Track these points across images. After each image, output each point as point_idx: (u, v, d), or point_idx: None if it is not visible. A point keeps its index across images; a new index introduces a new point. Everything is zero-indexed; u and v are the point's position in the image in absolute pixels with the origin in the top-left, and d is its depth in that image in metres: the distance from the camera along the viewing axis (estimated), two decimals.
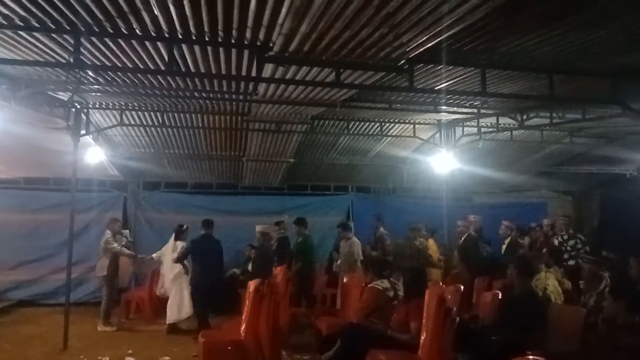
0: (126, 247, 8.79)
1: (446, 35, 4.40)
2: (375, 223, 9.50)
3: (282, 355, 6.15)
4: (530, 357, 3.12)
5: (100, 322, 8.11)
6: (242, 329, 5.15)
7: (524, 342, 4.20)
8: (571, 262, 7.60)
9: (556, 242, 8.15)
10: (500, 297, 5.60)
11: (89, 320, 8.75)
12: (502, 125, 9.08)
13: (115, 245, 8.32)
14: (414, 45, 4.56)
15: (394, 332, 4.99)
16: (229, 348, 5.13)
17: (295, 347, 6.90)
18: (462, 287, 5.88)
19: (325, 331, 6.09)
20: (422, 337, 4.50)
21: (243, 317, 5.37)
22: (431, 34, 4.30)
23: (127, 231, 8.82)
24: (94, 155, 8.75)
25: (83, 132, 7.47)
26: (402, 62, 5.18)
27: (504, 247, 9.12)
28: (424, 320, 4.56)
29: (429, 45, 4.57)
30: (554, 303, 5.51)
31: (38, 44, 5.08)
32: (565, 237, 8.14)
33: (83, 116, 7.51)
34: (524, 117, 8.26)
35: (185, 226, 8.53)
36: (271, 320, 5.55)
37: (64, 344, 6.94)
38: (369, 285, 5.78)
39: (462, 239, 8.99)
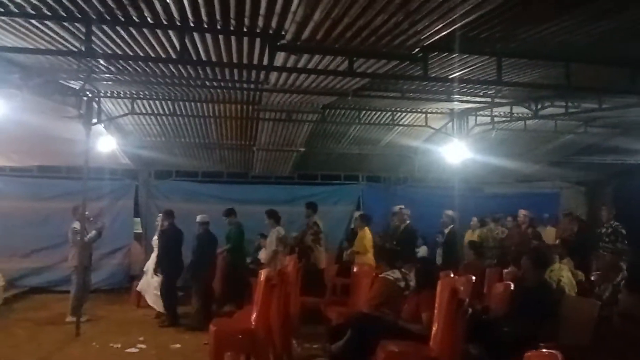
0: (98, 232, 8.21)
1: (462, 23, 4.31)
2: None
3: (292, 345, 6.16)
4: (545, 349, 3.08)
5: (69, 312, 7.75)
6: (253, 317, 5.16)
7: (537, 334, 4.17)
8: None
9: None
10: (512, 288, 5.56)
11: (101, 306, 8.85)
12: (515, 114, 8.96)
13: (88, 235, 7.92)
14: (429, 33, 4.47)
15: (404, 323, 4.97)
16: (240, 337, 5.14)
17: (305, 336, 6.91)
18: (473, 278, 5.84)
19: (336, 321, 6.09)
20: (434, 328, 4.48)
21: (254, 306, 5.38)
22: (447, 21, 4.21)
23: (105, 221, 8.59)
24: (106, 143, 8.76)
25: (94, 120, 7.48)
26: (417, 50, 5.10)
27: (444, 236, 9.49)
28: (435, 312, 4.53)
29: (444, 33, 4.48)
30: (567, 295, 5.47)
31: (49, 33, 5.07)
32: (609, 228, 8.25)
33: (94, 105, 7.50)
34: (539, 106, 8.14)
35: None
36: (282, 310, 5.56)
37: (77, 330, 7.01)
38: (380, 276, 5.77)
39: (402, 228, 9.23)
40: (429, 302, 4.66)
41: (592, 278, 6.34)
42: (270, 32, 4.91)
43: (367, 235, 8.93)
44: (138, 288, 8.68)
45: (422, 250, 10.23)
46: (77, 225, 7.89)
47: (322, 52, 5.12)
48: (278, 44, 4.98)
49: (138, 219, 11.47)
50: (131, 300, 9.22)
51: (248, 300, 6.88)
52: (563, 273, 5.99)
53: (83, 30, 4.87)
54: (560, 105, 8.20)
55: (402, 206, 9.50)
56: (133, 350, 6.46)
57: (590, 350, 4.03)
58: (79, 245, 7.66)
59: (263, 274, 5.31)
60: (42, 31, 5.03)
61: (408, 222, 9.33)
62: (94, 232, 8.10)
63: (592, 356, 3.85)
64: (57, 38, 5.20)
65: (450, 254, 9.11)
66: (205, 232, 8.25)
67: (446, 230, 9.40)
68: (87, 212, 7.79)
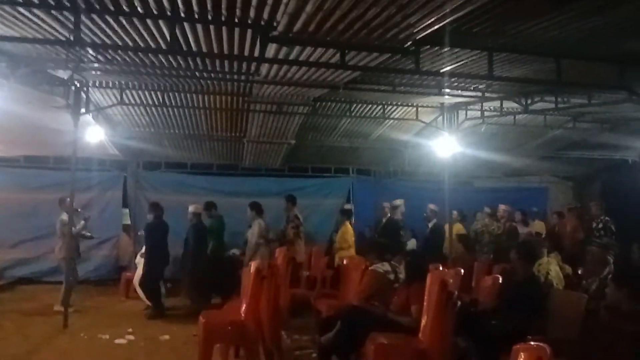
0: (85, 224, 8.24)
1: (454, 17, 4.32)
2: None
3: (282, 336, 6.18)
4: (533, 342, 3.11)
5: (59, 301, 7.68)
6: (243, 309, 5.15)
7: (525, 328, 4.20)
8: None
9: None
10: (500, 281, 5.60)
11: (90, 298, 8.81)
12: (505, 109, 9.00)
13: (73, 228, 7.77)
14: (421, 27, 4.47)
15: (394, 316, 4.99)
16: (229, 328, 5.13)
17: (295, 328, 6.93)
18: (462, 271, 5.88)
19: (325, 313, 6.10)
20: (423, 321, 4.50)
21: (243, 298, 5.38)
22: (439, 15, 4.22)
23: (87, 214, 8.53)
24: (94, 134, 8.66)
25: (83, 110, 7.39)
26: (409, 44, 5.09)
27: (428, 230, 9.48)
28: (425, 304, 4.55)
29: (436, 27, 4.49)
30: (555, 288, 5.52)
31: (37, 21, 5.00)
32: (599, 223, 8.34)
33: (83, 95, 7.42)
34: (529, 101, 8.18)
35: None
36: (272, 302, 5.56)
37: (65, 322, 6.96)
38: (369, 268, 5.78)
39: (385, 221, 9.28)
40: (419, 294, 4.68)
41: (580, 272, 6.40)
42: (262, 23, 4.88)
43: (348, 230, 8.98)
44: (134, 281, 8.63)
45: (411, 244, 10.28)
46: (65, 217, 7.83)
47: (313, 45, 5.10)
48: (269, 35, 4.95)
49: (126, 210, 11.40)
50: (120, 291, 9.19)
51: (236, 292, 6.94)
52: (551, 267, 6.03)
53: (72, 19, 4.81)
54: (550, 101, 8.24)
55: (402, 200, 9.54)
56: (121, 341, 6.43)
57: (577, 344, 4.07)
58: (67, 236, 7.59)
59: (253, 266, 5.31)
60: (30, 19, 4.95)
61: (389, 215, 9.40)
62: (82, 222, 8.05)
63: (580, 349, 3.88)
64: (45, 27, 5.13)
65: (434, 248, 9.14)
66: (199, 222, 8.23)
67: (430, 224, 9.45)
68: (73, 204, 7.72)
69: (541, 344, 2.77)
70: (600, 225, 8.32)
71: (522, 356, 2.77)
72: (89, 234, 8.59)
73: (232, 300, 6.86)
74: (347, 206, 11.55)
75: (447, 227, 9.61)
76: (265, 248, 8.03)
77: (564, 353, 3.61)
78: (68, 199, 7.59)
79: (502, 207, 9.85)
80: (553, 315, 4.69)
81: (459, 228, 9.94)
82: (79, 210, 8.15)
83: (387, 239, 8.83)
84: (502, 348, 3.79)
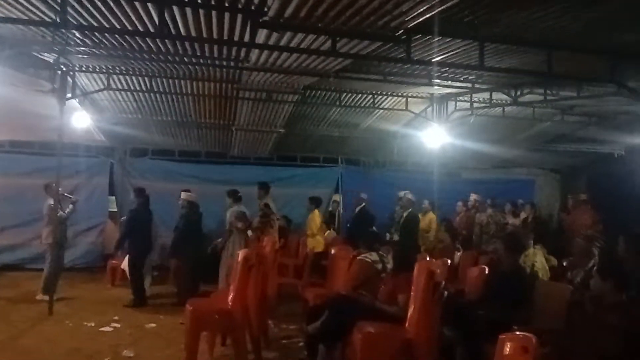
0: (71, 211, 8.11)
1: (446, 5, 4.29)
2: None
3: (269, 325, 6.18)
4: (518, 332, 3.12)
5: (40, 290, 7.64)
6: (230, 297, 5.14)
7: (510, 318, 4.23)
8: None
9: None
10: (486, 272, 5.64)
11: (76, 285, 8.74)
12: (495, 100, 9.02)
13: (61, 212, 7.77)
14: (413, 14, 4.44)
15: (381, 305, 5.00)
16: (217, 317, 5.12)
17: (282, 317, 6.94)
18: (449, 261, 5.91)
19: (312, 302, 6.11)
20: (410, 310, 4.52)
21: (231, 287, 5.36)
22: (431, 3, 4.18)
23: (74, 198, 8.38)
24: (80, 119, 8.57)
25: (69, 95, 7.28)
26: (400, 32, 5.06)
27: (402, 219, 9.46)
28: (412, 294, 4.57)
29: (429, 15, 4.45)
30: (540, 279, 5.57)
31: (23, 2, 4.88)
32: None
33: (69, 79, 7.30)
34: (518, 93, 8.20)
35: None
36: (259, 290, 5.55)
37: (50, 309, 6.90)
38: (357, 258, 5.78)
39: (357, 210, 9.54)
40: (406, 284, 4.69)
41: (564, 263, 6.47)
42: (253, 8, 4.81)
43: (316, 217, 9.16)
44: (122, 266, 8.57)
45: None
46: (52, 202, 7.73)
47: (304, 31, 5.05)
48: (260, 20, 4.89)
49: (113, 198, 11.30)
50: (106, 279, 9.12)
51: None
52: (537, 258, 6.11)
53: (58, 0, 4.70)
54: (539, 93, 8.27)
55: (406, 191, 9.61)
56: (107, 329, 6.39)
57: (562, 334, 4.12)
58: (54, 222, 7.50)
59: (241, 255, 5.28)
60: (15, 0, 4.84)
61: (363, 204, 9.59)
62: (70, 206, 7.97)
63: (565, 339, 3.93)
64: (31, 8, 5.01)
65: (408, 237, 9.16)
66: (190, 210, 8.16)
67: (405, 213, 9.46)
68: (60, 189, 7.63)
69: (527, 334, 2.79)
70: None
71: (508, 346, 2.79)
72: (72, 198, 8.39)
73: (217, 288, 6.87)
74: (335, 196, 11.57)
75: (431, 216, 9.71)
76: (239, 235, 7.94)
77: (549, 343, 3.65)
78: (54, 184, 7.49)
79: (473, 196, 9.88)
80: (538, 305, 4.73)
81: (431, 217, 9.94)
82: (66, 194, 8.05)
83: (359, 226, 8.98)
84: (488, 338, 3.81)
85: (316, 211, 9.32)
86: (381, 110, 9.74)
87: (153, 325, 6.63)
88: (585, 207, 9.30)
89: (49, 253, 7.72)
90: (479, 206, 10.07)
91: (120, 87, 8.29)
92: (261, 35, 5.24)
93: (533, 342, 2.65)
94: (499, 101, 9.04)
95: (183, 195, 8.22)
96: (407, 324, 4.48)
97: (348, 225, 9.81)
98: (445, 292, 4.55)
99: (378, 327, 4.49)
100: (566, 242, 7.61)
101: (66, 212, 7.87)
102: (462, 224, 10.37)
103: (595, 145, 12.13)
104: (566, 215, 10.00)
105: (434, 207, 9.96)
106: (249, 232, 8.07)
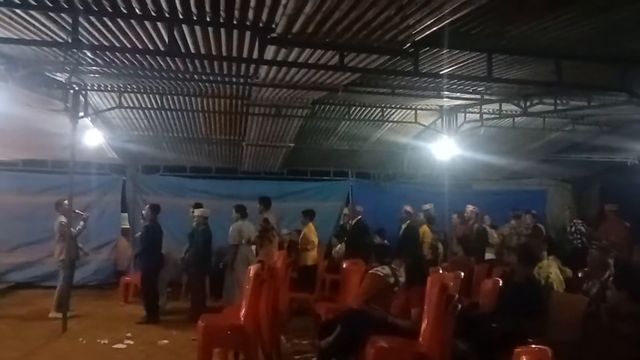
0: (82, 227, 8.11)
1: (453, 18, 4.30)
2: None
3: (281, 340, 6.15)
4: (534, 345, 3.09)
5: (53, 308, 7.68)
6: (242, 313, 5.13)
7: (525, 330, 4.18)
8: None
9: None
10: (500, 284, 5.58)
11: (88, 302, 8.76)
12: (505, 111, 8.99)
13: (72, 230, 7.72)
14: (421, 28, 4.45)
15: (394, 319, 4.97)
16: (229, 332, 5.11)
17: (294, 332, 6.90)
18: (462, 274, 5.86)
19: (325, 317, 6.08)
20: (423, 324, 4.48)
21: (243, 302, 5.35)
22: (438, 16, 4.20)
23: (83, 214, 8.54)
24: (93, 137, 8.65)
25: (81, 114, 7.38)
26: (408, 45, 5.08)
27: (401, 231, 9.46)
28: (425, 307, 4.53)
29: (436, 28, 4.47)
30: (555, 291, 5.50)
31: (35, 23, 4.97)
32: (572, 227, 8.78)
33: (81, 98, 7.41)
34: (528, 103, 8.17)
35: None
36: (271, 305, 5.54)
37: (63, 326, 6.92)
38: (369, 272, 5.76)
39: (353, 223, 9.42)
40: (419, 297, 4.66)
41: (580, 275, 6.39)
42: (261, 25, 4.86)
43: (311, 230, 9.02)
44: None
45: None
46: (62, 219, 7.80)
47: (312, 46, 5.08)
48: (268, 37, 4.93)
49: (125, 214, 11.37)
50: (118, 295, 9.14)
51: None
52: (551, 269, 6.03)
53: (69, 21, 4.79)
54: (549, 103, 8.23)
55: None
56: (121, 346, 6.40)
57: (578, 346, 4.06)
58: (67, 238, 7.55)
59: (252, 270, 5.28)
60: (27, 21, 4.93)
61: (359, 217, 9.48)
62: (82, 223, 8.02)
63: (580, 351, 3.87)
64: (43, 29, 5.10)
65: (406, 250, 9.08)
66: (206, 226, 8.19)
67: (403, 226, 9.39)
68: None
69: (542, 347, 2.76)
70: (573, 229, 9.08)
71: (524, 359, 2.76)
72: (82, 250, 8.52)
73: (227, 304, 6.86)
74: (346, 210, 11.54)
75: (424, 229, 9.59)
76: (245, 249, 8.01)
77: (565, 355, 3.60)
78: (65, 201, 7.56)
79: (469, 207, 9.74)
80: (554, 317, 4.67)
81: (424, 230, 9.71)
82: (77, 212, 8.12)
83: (354, 239, 8.94)
84: (502, 351, 3.77)
85: (310, 225, 9.11)
86: (390, 123, 9.75)
87: (166, 341, 6.62)
88: (616, 218, 9.16)
89: (61, 270, 7.76)
90: (475, 217, 9.89)
91: (131, 105, 8.40)
92: (270, 52, 5.28)
93: (549, 354, 2.63)
94: (509, 112, 9.01)
95: (197, 212, 8.25)
96: (420, 338, 4.44)
97: (345, 238, 9.70)
98: (459, 305, 4.51)
99: (391, 341, 4.45)
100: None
101: (77, 229, 7.91)
102: (458, 237, 10.21)
103: (607, 155, 12.02)
104: (594, 228, 9.75)
105: (430, 219, 9.90)
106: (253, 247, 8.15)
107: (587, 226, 9.67)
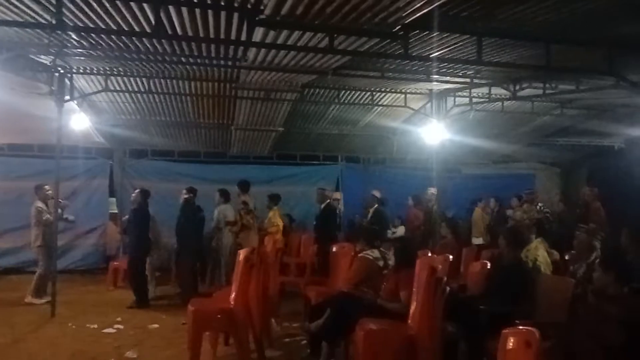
0: (60, 215, 7.92)
1: (443, 0, 4.27)
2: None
3: (271, 324, 6.17)
4: (521, 327, 3.12)
5: (30, 293, 7.67)
6: (232, 297, 5.13)
7: (513, 313, 4.22)
8: None
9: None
10: (488, 267, 5.63)
11: (77, 287, 8.73)
12: (494, 95, 9.00)
13: (48, 216, 7.66)
14: (410, 10, 4.42)
15: (383, 302, 4.99)
16: (219, 316, 5.11)
17: (284, 315, 6.93)
18: (450, 257, 5.89)
19: (315, 300, 6.10)
20: (412, 307, 4.51)
21: (233, 286, 5.35)
22: None
23: (61, 202, 8.29)
24: (79, 121, 8.55)
25: (67, 97, 7.26)
26: (398, 28, 5.04)
27: (369, 215, 9.33)
28: (414, 290, 4.56)
29: (425, 10, 4.44)
30: (543, 273, 5.55)
31: (18, 4, 4.86)
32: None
33: (67, 81, 7.29)
34: (517, 87, 8.18)
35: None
36: (261, 289, 5.54)
37: (52, 311, 6.90)
38: (359, 255, 5.77)
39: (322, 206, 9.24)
40: (408, 280, 4.68)
41: (567, 257, 6.45)
42: (249, 6, 4.79)
43: (276, 214, 9.05)
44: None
45: (399, 230, 10.29)
46: (39, 204, 7.74)
47: (302, 28, 5.04)
48: (257, 18, 4.87)
49: (114, 199, 11.29)
50: (107, 280, 9.11)
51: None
52: (539, 252, 6.07)
53: (53, 1, 4.68)
54: (538, 87, 8.26)
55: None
56: (110, 330, 6.38)
57: (565, 327, 4.10)
58: (43, 224, 7.53)
59: (242, 254, 5.27)
60: (10, 2, 4.81)
61: (328, 201, 9.38)
62: (59, 210, 7.81)
63: (567, 333, 3.92)
64: (26, 10, 4.99)
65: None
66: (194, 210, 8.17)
67: (371, 210, 9.37)
68: (50, 191, 7.63)
69: (530, 328, 2.78)
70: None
71: (511, 340, 2.78)
72: (71, 217, 8.47)
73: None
74: (336, 194, 11.54)
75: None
76: (227, 234, 8.08)
77: (552, 337, 3.64)
78: (46, 186, 7.49)
79: (431, 190, 9.66)
80: (541, 299, 4.72)
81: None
82: (60, 200, 8.00)
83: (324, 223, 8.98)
84: (490, 332, 3.81)
85: (276, 208, 9.10)
86: (380, 107, 9.73)
87: (156, 326, 6.62)
88: (595, 203, 8.90)
89: (40, 257, 7.71)
90: (435, 200, 9.84)
91: (118, 88, 8.28)
92: (258, 34, 5.22)
93: (536, 336, 2.65)
94: (498, 96, 9.03)
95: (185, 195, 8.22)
96: (409, 321, 4.47)
97: (314, 222, 9.70)
98: (447, 288, 4.54)
99: (380, 324, 4.47)
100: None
101: (52, 216, 7.60)
102: (411, 218, 10.26)
103: (595, 139, 12.12)
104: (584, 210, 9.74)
105: (418, 202, 9.90)
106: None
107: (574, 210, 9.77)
